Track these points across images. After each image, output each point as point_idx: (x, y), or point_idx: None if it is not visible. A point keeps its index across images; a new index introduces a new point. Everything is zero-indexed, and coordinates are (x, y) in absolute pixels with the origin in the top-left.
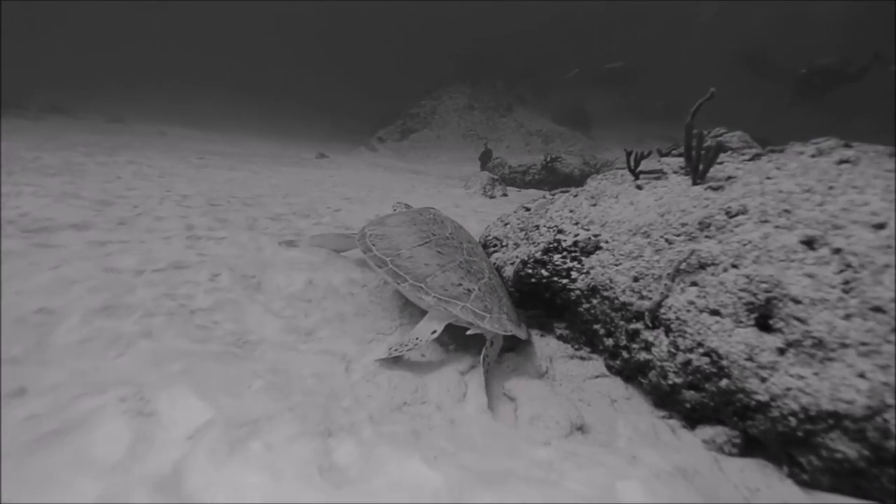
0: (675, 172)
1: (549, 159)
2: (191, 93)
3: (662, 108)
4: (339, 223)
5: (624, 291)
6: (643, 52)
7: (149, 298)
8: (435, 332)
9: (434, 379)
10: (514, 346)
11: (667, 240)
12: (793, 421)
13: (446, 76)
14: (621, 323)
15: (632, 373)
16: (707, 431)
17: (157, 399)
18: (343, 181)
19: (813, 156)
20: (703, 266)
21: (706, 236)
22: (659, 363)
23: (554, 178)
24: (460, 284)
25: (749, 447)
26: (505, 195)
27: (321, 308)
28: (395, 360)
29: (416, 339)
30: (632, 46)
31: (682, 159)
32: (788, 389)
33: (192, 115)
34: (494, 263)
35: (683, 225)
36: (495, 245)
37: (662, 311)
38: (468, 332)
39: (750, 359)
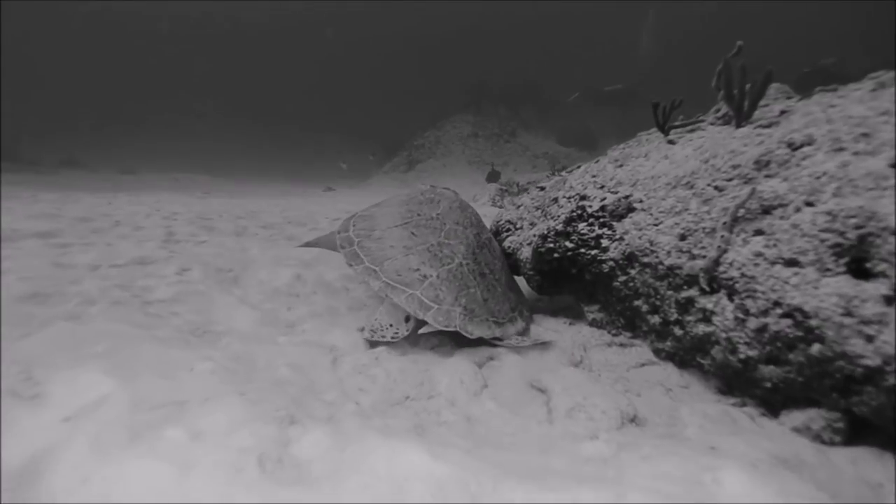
0: (711, 124)
1: (556, 170)
2: (208, 137)
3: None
4: None
5: (669, 253)
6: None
7: (95, 288)
8: (409, 318)
9: (444, 372)
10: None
11: (716, 187)
12: None
13: (451, 106)
14: (669, 293)
15: (688, 354)
16: (797, 417)
17: (50, 380)
18: (345, 200)
19: (874, 90)
20: (766, 211)
21: (766, 175)
22: (724, 334)
23: None
24: (418, 269)
25: (855, 433)
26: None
27: (309, 302)
28: (400, 353)
29: (391, 325)
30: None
31: (714, 115)
32: None
33: (206, 162)
34: (508, 247)
35: (735, 167)
36: (508, 229)
37: (721, 269)
38: (420, 331)
39: (848, 314)
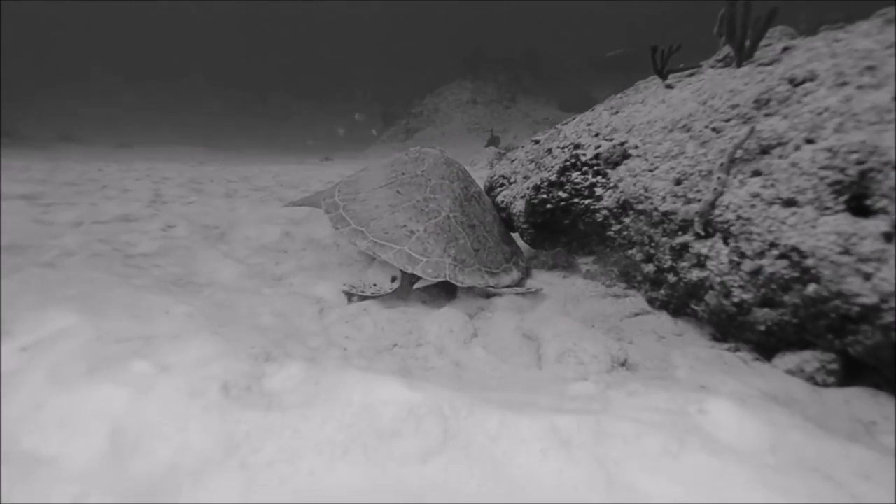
0: (711, 67)
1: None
2: (210, 113)
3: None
4: None
5: (664, 199)
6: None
7: (75, 242)
8: (395, 278)
9: (434, 321)
10: (522, 284)
11: (714, 129)
12: None
13: (448, 72)
14: (663, 240)
15: (682, 301)
16: (790, 359)
17: (14, 318)
18: (341, 167)
19: (882, 25)
20: (765, 150)
21: (766, 114)
22: (718, 279)
23: None
24: (405, 226)
25: (849, 374)
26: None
27: (297, 258)
28: (389, 305)
29: (374, 284)
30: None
31: (714, 59)
32: None
33: (206, 136)
34: (501, 202)
35: (734, 107)
36: (502, 184)
37: (717, 212)
38: (414, 286)
39: (845, 252)
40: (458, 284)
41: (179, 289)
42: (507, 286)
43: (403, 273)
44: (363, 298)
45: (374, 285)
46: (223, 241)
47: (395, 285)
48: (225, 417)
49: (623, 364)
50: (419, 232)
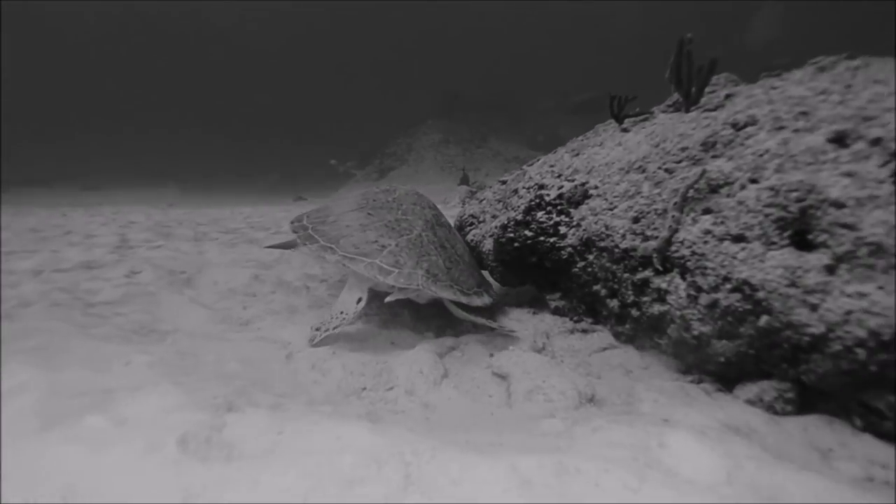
0: (663, 112)
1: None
2: (182, 153)
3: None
4: None
5: (624, 236)
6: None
7: (33, 291)
8: (360, 300)
9: (403, 363)
10: (493, 320)
11: (666, 170)
12: (861, 353)
13: (422, 113)
14: (625, 276)
15: (646, 335)
16: (750, 389)
17: None
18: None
19: (813, 74)
20: (714, 189)
21: (713, 156)
22: (678, 312)
23: None
24: (376, 241)
25: (806, 402)
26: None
27: (266, 301)
28: (358, 347)
29: (341, 312)
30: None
31: (665, 105)
32: (849, 313)
33: (178, 177)
34: (471, 241)
35: (684, 149)
36: (472, 223)
37: (673, 248)
38: (386, 300)
39: (792, 284)
40: (432, 294)
41: (141, 337)
42: (479, 307)
43: (372, 293)
44: (329, 331)
45: (341, 313)
46: (190, 286)
47: (361, 306)
48: (182, 472)
49: (591, 400)
50: (391, 246)
